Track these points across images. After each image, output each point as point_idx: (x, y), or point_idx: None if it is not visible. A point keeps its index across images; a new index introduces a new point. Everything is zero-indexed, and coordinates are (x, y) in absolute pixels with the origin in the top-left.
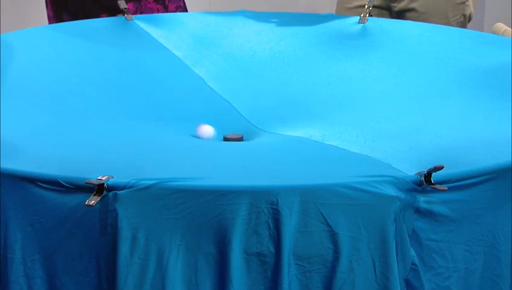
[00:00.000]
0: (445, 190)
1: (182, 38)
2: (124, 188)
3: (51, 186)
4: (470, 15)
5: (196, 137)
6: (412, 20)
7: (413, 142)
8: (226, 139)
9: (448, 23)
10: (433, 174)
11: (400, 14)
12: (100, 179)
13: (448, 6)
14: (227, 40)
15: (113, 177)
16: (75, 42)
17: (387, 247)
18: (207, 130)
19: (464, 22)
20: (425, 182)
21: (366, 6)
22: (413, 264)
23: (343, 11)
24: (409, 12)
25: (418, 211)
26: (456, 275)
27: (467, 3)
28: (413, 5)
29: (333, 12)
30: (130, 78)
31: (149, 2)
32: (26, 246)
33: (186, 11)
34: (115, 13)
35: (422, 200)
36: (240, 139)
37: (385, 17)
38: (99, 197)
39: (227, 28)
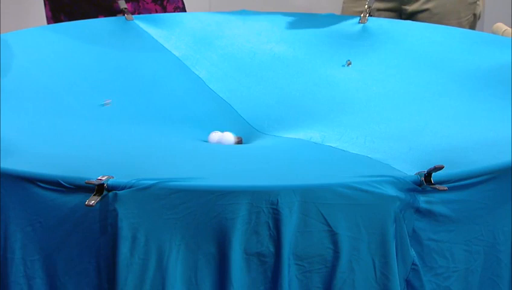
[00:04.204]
0: (445, 190)
1: (182, 38)
2: (124, 188)
3: (51, 186)
4: (479, 14)
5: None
6: (425, 21)
7: (413, 143)
8: None
9: (460, 23)
10: (433, 174)
11: (412, 16)
12: (100, 179)
13: (460, 6)
14: (227, 40)
15: (113, 177)
16: (75, 42)
17: (388, 247)
18: (228, 137)
19: (474, 21)
20: (425, 182)
21: (366, 6)
22: (413, 264)
23: (351, 14)
24: (421, 13)
25: (418, 211)
26: (456, 275)
27: (478, 2)
28: (427, 6)
29: (333, 12)
30: (129, 78)
31: (147, 3)
32: (26, 246)
33: (185, 11)
34: (111, 14)
35: (423, 200)
36: (240, 142)
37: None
38: (99, 197)
39: (227, 28)
